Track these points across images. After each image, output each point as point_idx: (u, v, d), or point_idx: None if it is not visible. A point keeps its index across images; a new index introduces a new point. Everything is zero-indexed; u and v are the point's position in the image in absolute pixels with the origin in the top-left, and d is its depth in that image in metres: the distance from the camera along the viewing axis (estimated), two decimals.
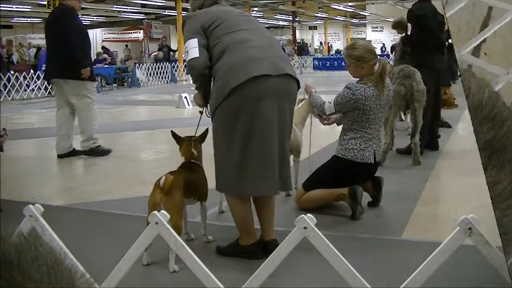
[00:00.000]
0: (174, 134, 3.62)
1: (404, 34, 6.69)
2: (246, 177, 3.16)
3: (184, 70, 22.59)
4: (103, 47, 25.98)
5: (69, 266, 0.63)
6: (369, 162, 4.13)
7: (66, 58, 6.38)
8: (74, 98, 6.60)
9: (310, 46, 38.27)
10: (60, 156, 6.65)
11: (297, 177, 4.61)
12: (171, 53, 24.27)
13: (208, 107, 3.40)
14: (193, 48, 3.21)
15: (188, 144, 3.57)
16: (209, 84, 3.33)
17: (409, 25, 6.33)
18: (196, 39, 3.22)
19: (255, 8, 32.19)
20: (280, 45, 3.71)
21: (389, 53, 25.36)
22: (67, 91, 6.58)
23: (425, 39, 6.23)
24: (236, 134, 3.12)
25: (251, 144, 3.12)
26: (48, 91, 15.79)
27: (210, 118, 3.36)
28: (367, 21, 42.96)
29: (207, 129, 3.62)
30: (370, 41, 39.65)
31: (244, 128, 3.11)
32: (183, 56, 4.13)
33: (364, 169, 4.17)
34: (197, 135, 3.64)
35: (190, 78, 3.41)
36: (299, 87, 3.33)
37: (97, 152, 6.73)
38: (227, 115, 3.13)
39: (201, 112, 3.53)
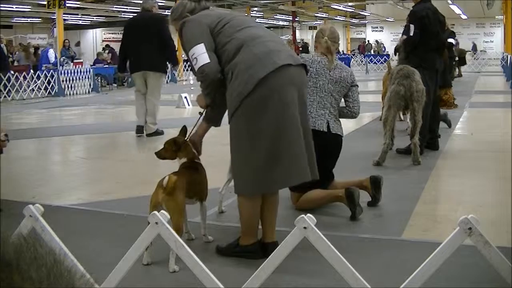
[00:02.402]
0: (173, 142, 3.57)
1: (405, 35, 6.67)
2: (276, 170, 3.12)
3: (184, 70, 22.59)
4: (107, 45, 26.00)
5: (69, 267, 0.63)
6: (321, 130, 4.18)
7: (167, 56, 8.23)
8: (154, 88, 8.19)
9: (309, 46, 38.23)
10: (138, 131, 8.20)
11: None
12: None
13: (208, 110, 3.40)
14: (202, 54, 3.16)
15: (188, 145, 3.56)
16: (218, 89, 3.32)
17: (411, 26, 6.30)
18: (202, 44, 3.17)
19: (255, 8, 32.22)
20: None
21: (389, 53, 25.38)
22: (151, 82, 8.15)
23: (427, 40, 6.23)
24: (265, 126, 3.09)
25: (282, 134, 3.11)
26: (48, 91, 15.81)
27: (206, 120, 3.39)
28: (367, 21, 43.00)
29: (184, 126, 3.60)
30: (369, 40, 39.70)
31: (274, 118, 3.09)
32: (190, 60, 4.37)
33: (318, 137, 4.11)
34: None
35: (201, 84, 3.30)
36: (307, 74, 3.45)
37: (159, 132, 8.14)
38: (253, 108, 3.09)
39: (201, 114, 3.53)
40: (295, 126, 3.15)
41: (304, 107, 3.30)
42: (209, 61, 3.15)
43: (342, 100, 4.44)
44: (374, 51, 35.88)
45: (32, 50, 23.05)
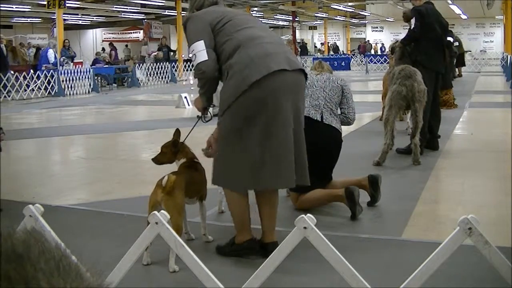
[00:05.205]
0: (172, 144, 3.56)
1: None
2: (263, 170, 3.14)
3: (184, 70, 22.60)
4: (111, 44, 26.06)
5: (75, 260, 0.65)
6: (315, 118, 4.25)
7: None
8: None
9: (308, 46, 38.19)
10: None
11: None
12: (171, 53, 24.25)
13: (208, 113, 3.40)
14: (200, 51, 3.17)
15: (186, 146, 3.56)
16: (215, 87, 3.31)
17: (412, 21, 6.41)
18: (202, 41, 3.18)
19: (255, 8, 32.19)
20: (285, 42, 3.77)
21: (390, 53, 25.34)
22: None
23: (426, 33, 6.29)
24: (255, 128, 3.10)
25: (271, 138, 3.11)
26: (48, 91, 15.80)
27: (206, 120, 3.38)
28: (367, 21, 42.95)
29: (177, 129, 3.58)
30: (369, 40, 39.71)
31: (264, 122, 3.10)
32: (189, 57, 4.25)
33: (311, 125, 4.18)
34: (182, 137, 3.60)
35: (198, 82, 3.32)
36: (306, 80, 3.41)
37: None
38: (245, 110, 3.10)
39: (199, 117, 3.52)
40: (286, 131, 3.15)
41: (298, 114, 3.27)
42: (206, 58, 3.16)
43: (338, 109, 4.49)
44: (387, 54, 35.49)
45: (30, 50, 23.04)
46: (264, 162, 3.12)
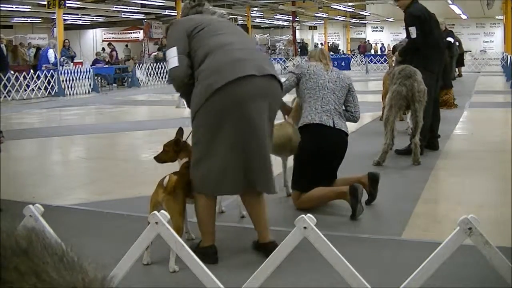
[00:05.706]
0: (175, 143, 3.56)
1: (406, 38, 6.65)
2: (228, 176, 3.18)
3: None
4: (110, 44, 26.06)
5: (78, 254, 0.67)
6: (327, 125, 4.24)
7: None
8: None
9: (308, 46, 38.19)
10: None
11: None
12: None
13: None
14: (172, 58, 3.25)
15: (189, 145, 3.56)
16: (191, 91, 3.33)
17: (411, 29, 6.26)
18: (175, 48, 3.25)
19: (255, 8, 32.20)
20: (260, 48, 3.78)
21: (391, 53, 25.32)
22: None
23: (425, 38, 6.23)
24: (221, 134, 3.13)
25: (237, 144, 3.14)
26: (48, 91, 15.81)
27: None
28: (367, 21, 42.95)
29: (180, 128, 3.60)
30: (369, 40, 39.71)
31: (229, 128, 3.12)
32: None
33: (324, 131, 4.23)
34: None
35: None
36: (281, 88, 3.38)
37: None
38: (211, 116, 3.14)
39: None
40: (252, 137, 3.16)
41: (267, 118, 3.24)
42: (177, 65, 3.23)
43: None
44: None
45: (30, 50, 23.02)
46: (230, 166, 3.16)
